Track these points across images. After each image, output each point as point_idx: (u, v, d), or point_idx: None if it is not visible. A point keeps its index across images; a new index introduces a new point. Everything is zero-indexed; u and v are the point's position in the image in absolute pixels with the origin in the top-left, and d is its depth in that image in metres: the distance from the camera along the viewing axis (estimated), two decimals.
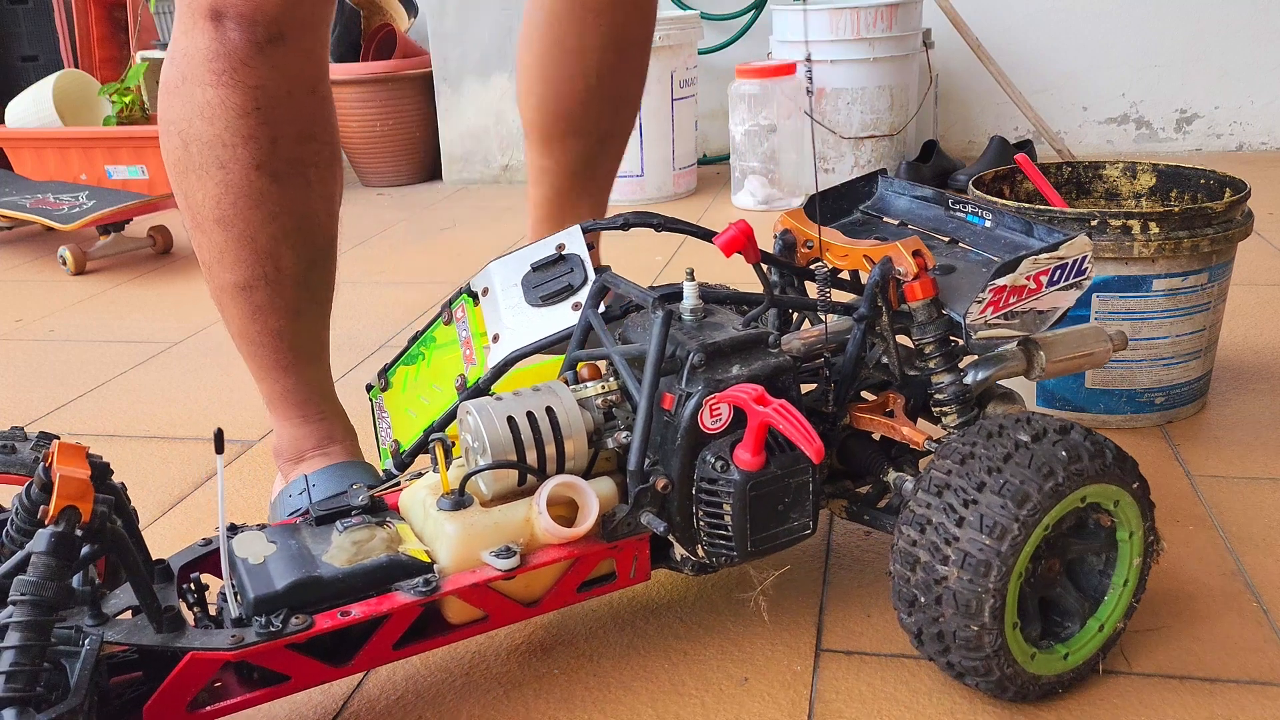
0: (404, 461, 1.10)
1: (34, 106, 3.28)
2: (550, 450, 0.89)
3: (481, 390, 1.02)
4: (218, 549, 0.87)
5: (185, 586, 0.86)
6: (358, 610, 0.82)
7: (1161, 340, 1.37)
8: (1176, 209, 1.31)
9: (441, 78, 3.33)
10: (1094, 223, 1.31)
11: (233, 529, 0.90)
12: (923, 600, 0.84)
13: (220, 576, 0.85)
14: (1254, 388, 1.54)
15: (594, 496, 0.88)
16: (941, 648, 0.85)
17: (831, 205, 1.13)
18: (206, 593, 0.87)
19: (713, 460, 0.88)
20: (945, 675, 0.93)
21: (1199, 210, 1.31)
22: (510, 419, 0.88)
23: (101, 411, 1.69)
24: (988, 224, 1.05)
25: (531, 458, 0.89)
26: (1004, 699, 0.89)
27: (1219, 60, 3.22)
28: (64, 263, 2.54)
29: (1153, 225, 1.30)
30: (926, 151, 3.02)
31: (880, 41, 2.88)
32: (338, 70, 3.29)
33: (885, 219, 1.13)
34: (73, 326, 2.15)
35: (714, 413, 0.89)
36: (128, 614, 0.82)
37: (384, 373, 1.22)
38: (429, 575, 0.85)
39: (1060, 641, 0.90)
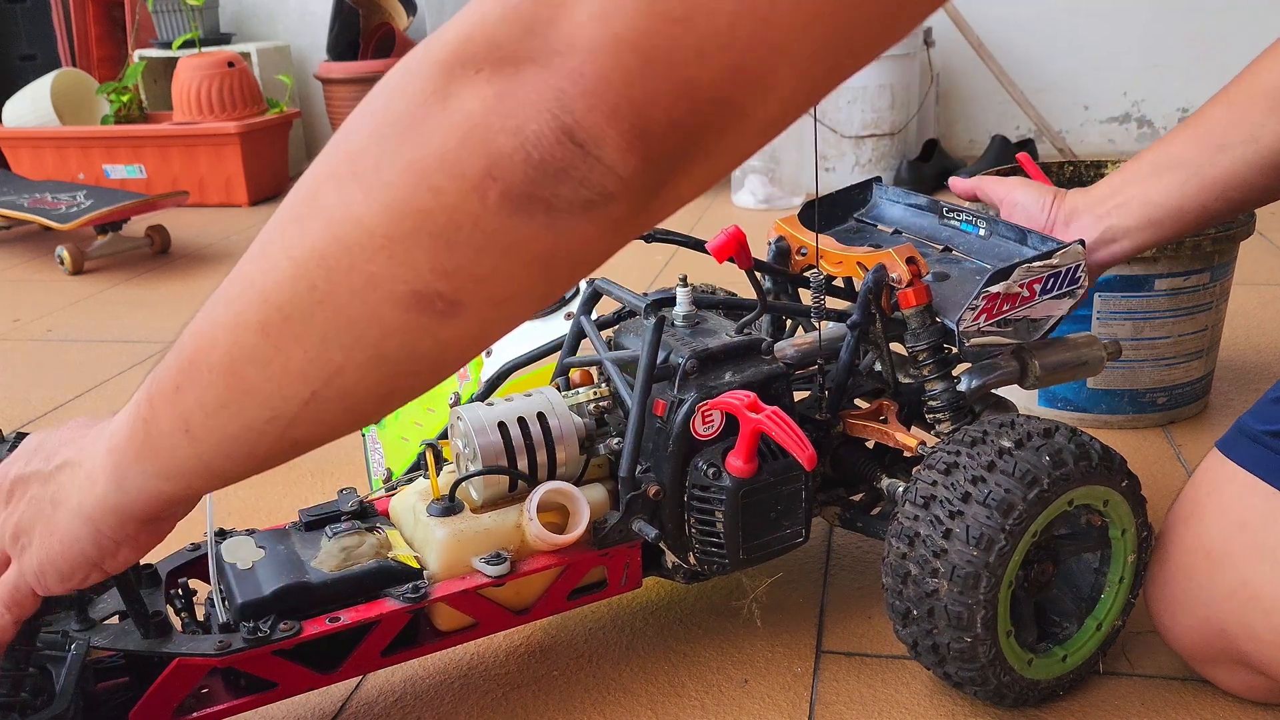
0: (397, 486, 1.09)
1: (32, 105, 3.28)
2: (541, 456, 0.89)
3: None
4: (206, 554, 0.86)
5: (173, 592, 0.86)
6: (346, 616, 0.82)
7: (1163, 340, 1.36)
8: None
9: None
10: None
11: (221, 534, 0.89)
12: (915, 613, 0.84)
13: (208, 582, 0.85)
14: (1256, 388, 1.53)
15: (585, 503, 0.88)
16: (937, 659, 0.85)
17: (826, 212, 1.12)
18: (195, 598, 0.87)
19: (705, 467, 0.88)
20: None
21: None
22: (501, 424, 0.88)
23: (99, 412, 1.68)
24: (981, 232, 1.05)
25: (522, 464, 0.88)
26: (1004, 706, 0.89)
27: (1220, 60, 3.20)
28: (62, 262, 2.54)
29: None
30: (928, 150, 3.01)
31: None
32: (336, 69, 3.29)
33: (879, 226, 1.12)
34: (71, 326, 2.14)
35: (706, 419, 0.88)
36: (115, 619, 0.82)
37: None
38: (418, 582, 0.84)
39: (1058, 643, 0.90)
